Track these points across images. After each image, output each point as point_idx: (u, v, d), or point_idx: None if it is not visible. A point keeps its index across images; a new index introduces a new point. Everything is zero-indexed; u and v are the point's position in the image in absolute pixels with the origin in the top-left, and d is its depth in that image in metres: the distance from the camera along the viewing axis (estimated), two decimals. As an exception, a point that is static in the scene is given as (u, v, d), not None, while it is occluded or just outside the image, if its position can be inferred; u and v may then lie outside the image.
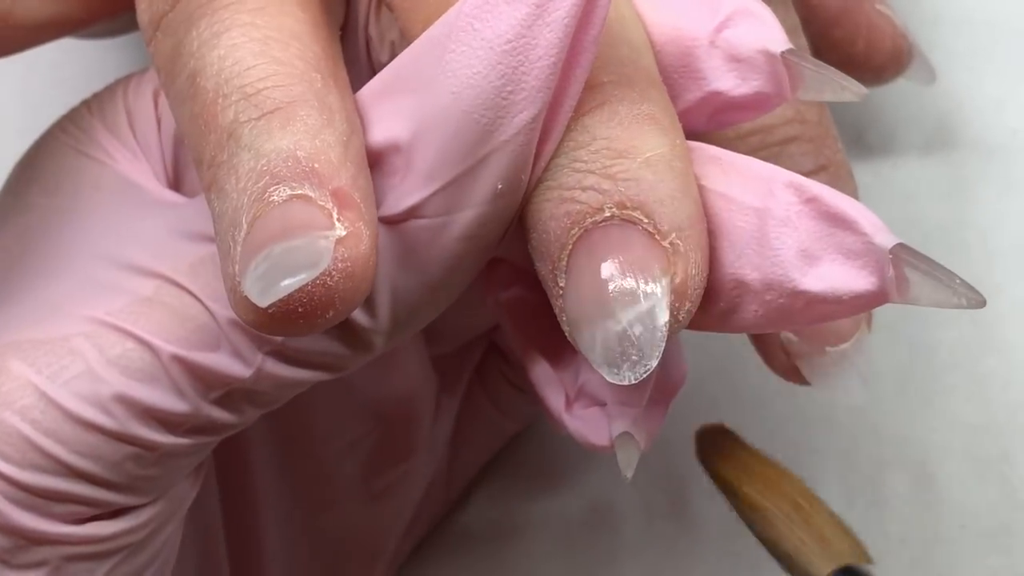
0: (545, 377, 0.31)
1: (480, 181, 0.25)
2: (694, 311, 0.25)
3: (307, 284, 0.24)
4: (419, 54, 0.26)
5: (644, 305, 0.25)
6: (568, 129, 0.26)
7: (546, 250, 0.26)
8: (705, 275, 0.25)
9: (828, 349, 0.32)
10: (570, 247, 0.25)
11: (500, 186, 0.25)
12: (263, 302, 0.24)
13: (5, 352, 0.28)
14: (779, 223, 0.25)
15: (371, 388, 0.36)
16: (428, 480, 0.39)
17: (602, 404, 0.30)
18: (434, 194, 0.26)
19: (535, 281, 0.27)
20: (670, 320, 0.25)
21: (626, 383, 0.25)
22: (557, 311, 0.26)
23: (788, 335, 0.32)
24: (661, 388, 0.30)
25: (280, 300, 0.24)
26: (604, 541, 0.41)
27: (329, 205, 0.24)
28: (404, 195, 0.26)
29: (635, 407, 0.29)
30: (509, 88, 0.25)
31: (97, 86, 0.33)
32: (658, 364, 0.25)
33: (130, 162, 0.31)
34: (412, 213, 0.26)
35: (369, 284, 0.24)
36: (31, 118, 0.35)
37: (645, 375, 0.25)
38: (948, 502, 0.40)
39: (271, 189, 0.24)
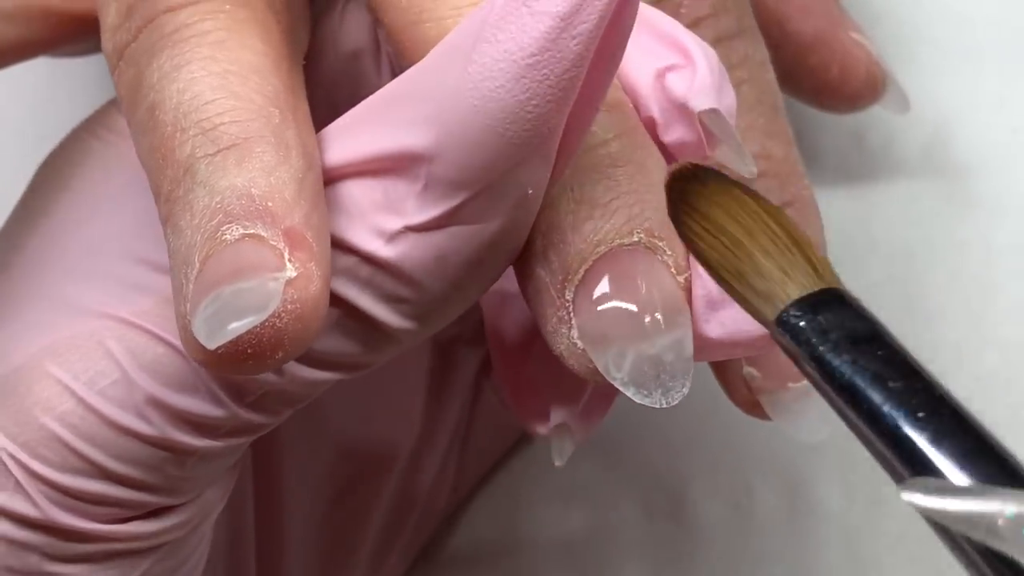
0: (501, 361, 0.31)
1: (511, 189, 0.25)
2: None
3: (256, 326, 0.24)
4: (440, 62, 0.25)
5: (677, 333, 0.26)
6: (604, 144, 0.26)
7: (559, 259, 0.26)
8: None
9: (790, 385, 0.32)
10: (591, 263, 0.26)
11: (531, 191, 0.25)
12: (211, 344, 0.24)
13: (43, 357, 0.28)
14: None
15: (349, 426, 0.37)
16: (430, 478, 0.39)
17: (544, 394, 0.30)
18: (464, 203, 0.25)
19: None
20: None
21: (657, 407, 0.26)
22: (553, 321, 0.26)
23: (751, 370, 0.32)
24: None
25: (229, 342, 0.24)
26: (604, 541, 0.41)
27: (281, 245, 0.24)
28: (430, 203, 0.26)
29: (575, 400, 0.30)
30: (535, 102, 0.24)
31: (95, 87, 0.33)
32: None
33: None
34: (442, 221, 0.26)
35: (319, 324, 0.25)
36: (29, 118, 0.35)
37: (679, 400, 0.26)
38: (948, 501, 0.40)
39: (224, 228, 0.24)
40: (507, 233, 0.26)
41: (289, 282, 0.24)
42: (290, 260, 0.24)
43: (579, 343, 0.26)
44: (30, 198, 0.32)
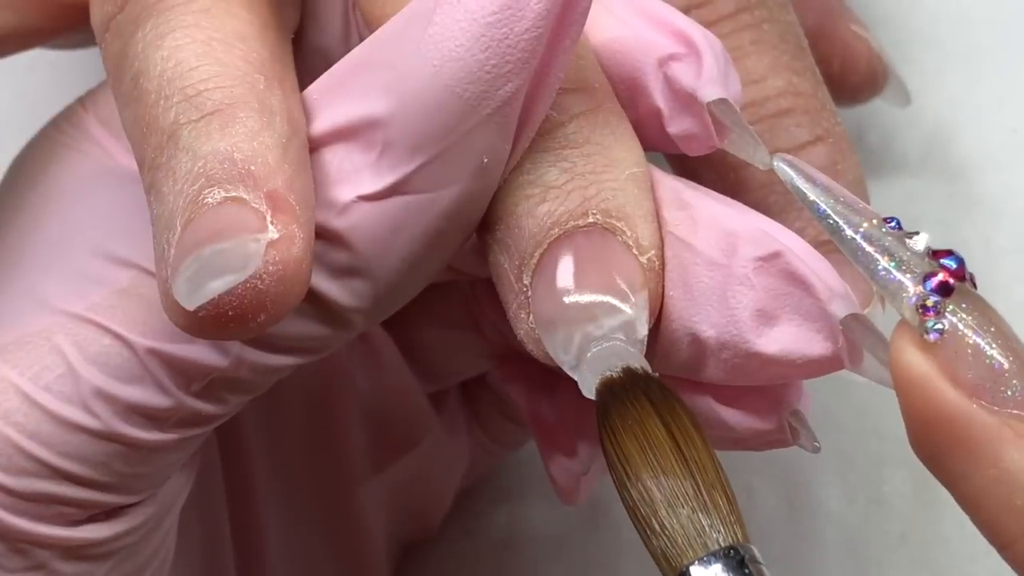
0: (550, 445, 0.32)
1: (465, 156, 0.25)
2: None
3: (237, 287, 0.24)
4: (401, 27, 0.25)
5: (628, 315, 0.25)
6: (561, 125, 0.26)
7: (516, 244, 0.26)
8: (660, 300, 0.26)
9: None
10: (545, 246, 0.25)
11: (486, 160, 0.25)
12: (190, 304, 0.24)
13: None
14: (738, 281, 0.26)
15: (364, 385, 0.36)
16: (450, 468, 0.39)
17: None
18: (417, 170, 0.25)
19: (531, 363, 0.27)
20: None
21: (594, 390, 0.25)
22: (513, 307, 0.26)
23: None
24: None
25: (209, 303, 0.24)
26: (604, 541, 0.41)
27: (263, 208, 0.24)
28: (385, 171, 0.25)
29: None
30: (493, 61, 0.24)
31: (93, 85, 0.33)
32: None
33: (123, 154, 0.30)
34: (395, 190, 0.26)
35: (303, 287, 0.24)
36: (30, 118, 0.35)
37: None
38: (948, 501, 0.40)
39: (206, 191, 0.24)
40: (462, 204, 0.26)
41: (271, 243, 0.24)
42: (272, 222, 0.24)
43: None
44: (1, 196, 0.32)
